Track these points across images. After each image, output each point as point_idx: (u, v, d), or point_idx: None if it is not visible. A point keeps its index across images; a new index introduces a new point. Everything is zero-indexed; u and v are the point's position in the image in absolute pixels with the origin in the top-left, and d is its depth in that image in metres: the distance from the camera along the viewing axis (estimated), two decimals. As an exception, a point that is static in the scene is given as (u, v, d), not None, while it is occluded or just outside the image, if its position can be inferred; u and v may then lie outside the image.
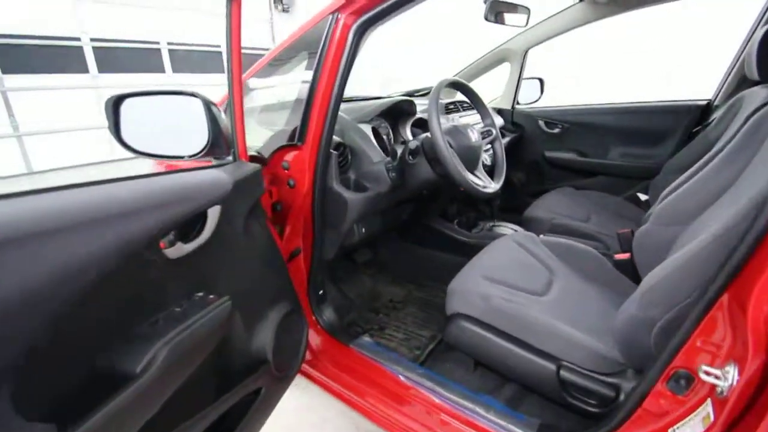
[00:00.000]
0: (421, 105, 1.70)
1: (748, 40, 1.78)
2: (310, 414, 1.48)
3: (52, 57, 5.26)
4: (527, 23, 1.80)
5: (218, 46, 6.81)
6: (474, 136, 1.33)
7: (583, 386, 0.95)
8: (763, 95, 1.13)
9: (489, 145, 1.52)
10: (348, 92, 1.72)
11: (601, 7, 1.85)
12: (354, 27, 1.02)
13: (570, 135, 2.32)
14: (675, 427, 0.70)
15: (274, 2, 7.96)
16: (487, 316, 1.08)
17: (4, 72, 4.71)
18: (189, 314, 0.68)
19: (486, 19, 1.59)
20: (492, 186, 1.32)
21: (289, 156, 1.13)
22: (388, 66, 6.62)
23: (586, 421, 0.98)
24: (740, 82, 1.78)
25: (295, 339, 1.10)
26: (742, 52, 1.82)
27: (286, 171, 1.14)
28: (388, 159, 1.30)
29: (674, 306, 0.77)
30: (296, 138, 1.10)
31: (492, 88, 2.49)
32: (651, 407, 0.76)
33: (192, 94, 0.90)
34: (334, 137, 1.25)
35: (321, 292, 1.35)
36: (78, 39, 5.40)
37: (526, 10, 1.74)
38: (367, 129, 1.38)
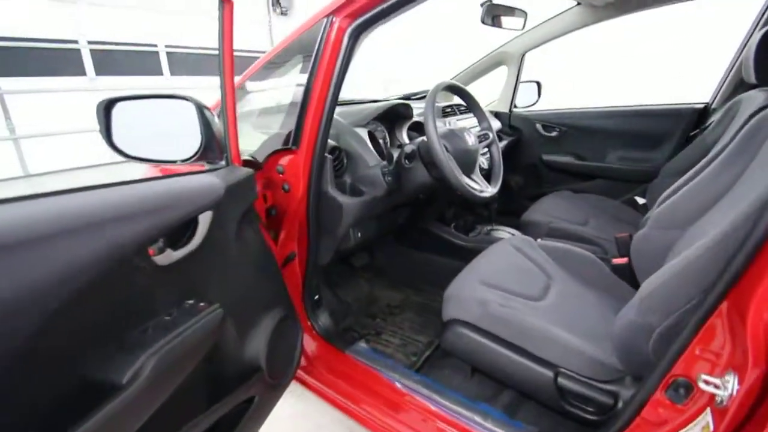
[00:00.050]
0: (417, 108, 1.69)
1: (745, 44, 1.78)
2: (305, 421, 1.46)
3: (49, 60, 5.25)
4: (524, 26, 1.80)
5: (216, 49, 6.80)
6: (470, 140, 1.32)
7: (581, 393, 0.93)
8: (760, 99, 1.13)
9: (486, 149, 1.51)
10: (347, 95, 1.73)
11: (598, 11, 1.85)
12: (349, 30, 1.01)
13: (567, 138, 2.31)
14: None
15: (272, 5, 7.97)
16: (483, 322, 1.06)
17: (0, 75, 4.69)
18: (179, 322, 0.67)
19: (483, 22, 1.59)
20: (489, 190, 1.32)
21: (284, 160, 1.12)
22: (386, 67, 6.62)
23: (584, 428, 0.96)
24: (737, 85, 1.78)
25: (290, 345, 1.08)
26: (740, 55, 1.82)
27: (280, 175, 1.13)
28: (384, 163, 1.29)
29: (673, 312, 0.76)
30: (291, 142, 1.09)
31: (490, 92, 2.49)
32: (649, 416, 0.75)
33: (184, 98, 0.88)
34: (330, 141, 1.24)
35: (317, 297, 1.34)
36: (75, 42, 5.40)
37: (523, 14, 1.73)
38: (363, 133, 1.37)
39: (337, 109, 1.44)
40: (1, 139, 4.66)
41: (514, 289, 1.16)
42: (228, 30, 0.81)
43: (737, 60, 1.83)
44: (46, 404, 0.51)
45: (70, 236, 0.51)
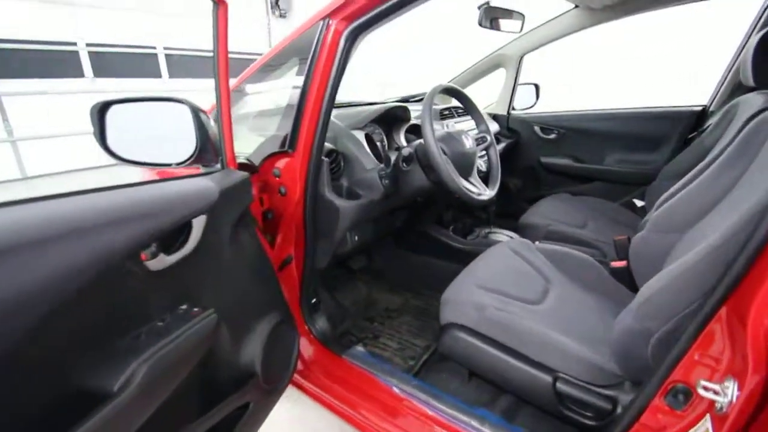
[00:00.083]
0: (415, 111, 1.68)
1: (743, 46, 1.78)
2: (303, 426, 1.45)
3: (48, 61, 5.25)
4: (522, 29, 1.80)
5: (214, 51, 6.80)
6: (468, 143, 1.32)
7: (580, 398, 0.92)
8: (758, 101, 1.12)
9: (484, 152, 1.51)
10: (344, 98, 1.72)
11: (596, 14, 1.85)
12: (345, 33, 1.00)
13: (566, 141, 2.31)
14: None
15: (272, 7, 7.99)
16: (481, 326, 1.06)
17: (-2, 77, 4.70)
18: (172, 328, 0.66)
19: (480, 24, 1.59)
20: (486, 193, 1.31)
21: (280, 163, 1.11)
22: (384, 70, 6.62)
23: None
24: (735, 88, 1.77)
25: (286, 350, 1.07)
26: (737, 57, 1.82)
27: (277, 178, 1.12)
28: (382, 166, 1.28)
29: (671, 318, 0.75)
30: (287, 145, 1.08)
31: (488, 95, 2.49)
32: (648, 422, 0.74)
33: (179, 101, 0.88)
34: (327, 144, 1.23)
35: (314, 300, 1.33)
36: (74, 44, 5.40)
37: (521, 16, 1.73)
38: (360, 136, 1.36)
39: (335, 112, 1.44)
40: (-2, 141, 4.65)
41: (512, 292, 1.15)
42: (222, 32, 0.80)
43: (735, 62, 1.83)
44: (34, 412, 0.50)
45: (59, 241, 0.50)
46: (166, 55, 6.42)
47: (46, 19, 5.16)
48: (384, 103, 1.76)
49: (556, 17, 1.97)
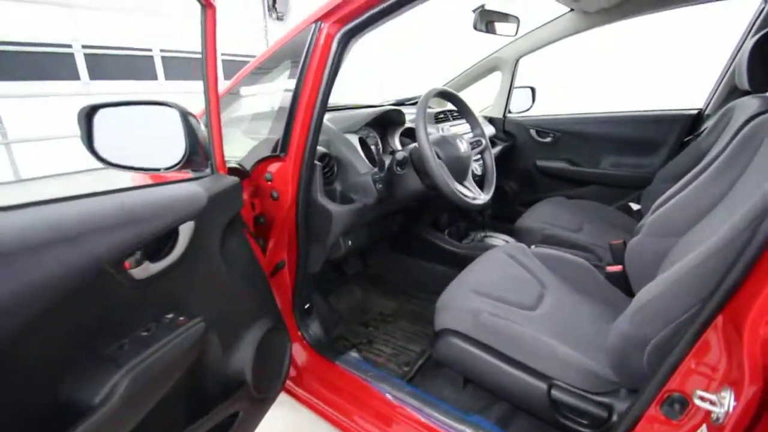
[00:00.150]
0: (410, 114, 1.68)
1: (738, 50, 1.78)
2: (296, 433, 1.44)
3: (43, 64, 5.22)
4: (517, 32, 1.79)
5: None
6: (463, 147, 1.31)
7: (575, 406, 0.91)
8: (754, 105, 1.12)
9: (479, 156, 1.50)
10: (340, 101, 1.71)
11: (591, 17, 1.85)
12: (338, 36, 0.99)
13: (562, 144, 2.31)
14: None
15: (269, 10, 7.98)
16: (475, 332, 1.04)
17: (-7, 78, 4.67)
18: (157, 338, 0.64)
19: (475, 28, 1.58)
20: (481, 197, 1.30)
21: (273, 167, 1.10)
22: (382, 70, 6.62)
23: None
24: (731, 91, 1.77)
25: (278, 357, 1.05)
26: (732, 61, 1.83)
27: (269, 183, 1.11)
28: (375, 170, 1.27)
29: (667, 324, 0.74)
30: (279, 149, 1.07)
31: (484, 98, 2.49)
32: (644, 431, 0.73)
33: (168, 105, 0.86)
34: (320, 148, 1.22)
35: (307, 306, 1.32)
36: (69, 46, 5.37)
37: (516, 20, 1.73)
38: (353, 139, 1.35)
39: (329, 115, 1.43)
40: (-8, 143, 4.62)
41: (507, 298, 1.14)
42: (211, 35, 0.79)
43: (730, 66, 1.83)
44: (11, 426, 0.49)
45: (36, 250, 0.48)
46: (162, 57, 6.40)
47: (42, 21, 5.13)
48: (378, 106, 1.75)
49: (551, 21, 1.97)
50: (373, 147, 1.46)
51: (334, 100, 1.22)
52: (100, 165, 0.85)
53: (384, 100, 2.18)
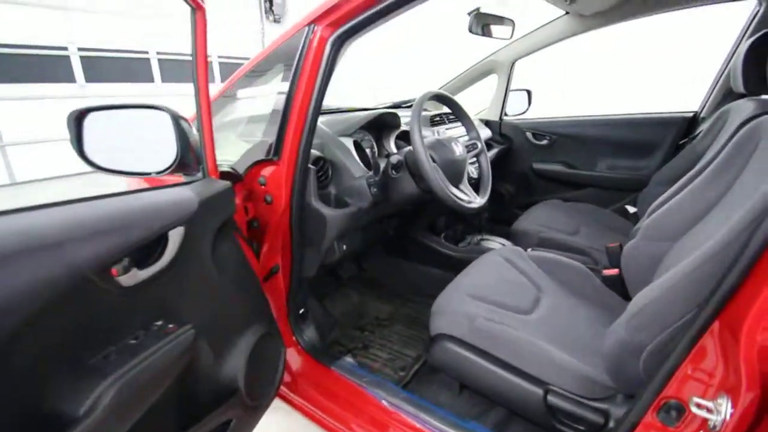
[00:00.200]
0: (406, 117, 1.67)
1: (733, 53, 1.79)
2: (291, 439, 1.42)
3: (38, 66, 5.20)
4: (512, 35, 1.79)
5: (208, 56, 6.78)
6: (458, 150, 1.30)
7: (572, 412, 0.90)
8: (749, 108, 1.12)
9: (474, 159, 1.49)
10: (335, 104, 1.70)
11: (586, 20, 1.85)
12: (331, 39, 0.98)
13: (558, 147, 2.31)
14: None
15: (266, 12, 7.98)
16: (471, 337, 1.03)
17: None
18: (145, 346, 0.63)
19: (470, 31, 1.58)
20: (477, 201, 1.29)
21: (266, 171, 1.09)
22: (378, 72, 6.62)
23: None
24: (726, 94, 1.78)
25: (271, 364, 1.04)
26: (728, 64, 1.83)
27: (262, 187, 1.10)
28: (370, 173, 1.26)
29: (663, 330, 0.74)
30: (272, 153, 1.06)
31: (481, 101, 2.48)
32: None
33: (158, 108, 0.85)
34: (314, 151, 1.21)
35: (302, 310, 1.30)
36: (65, 48, 5.35)
37: (511, 22, 1.73)
38: (348, 143, 1.34)
39: (324, 118, 1.42)
40: (-14, 146, 4.59)
41: (503, 302, 1.13)
42: (201, 37, 0.78)
43: (725, 69, 1.84)
44: None
45: (19, 257, 0.47)
46: (159, 60, 6.38)
47: (38, 24, 5.11)
48: (374, 109, 1.75)
49: (547, 24, 1.97)
50: (368, 150, 1.45)
51: (329, 102, 1.22)
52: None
53: (380, 102, 2.17)
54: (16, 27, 4.90)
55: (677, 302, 0.72)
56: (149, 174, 0.88)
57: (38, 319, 0.49)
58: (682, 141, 1.92)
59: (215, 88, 1.30)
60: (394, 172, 1.25)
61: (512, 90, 2.35)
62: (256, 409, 0.98)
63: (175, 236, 0.71)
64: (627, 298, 1.16)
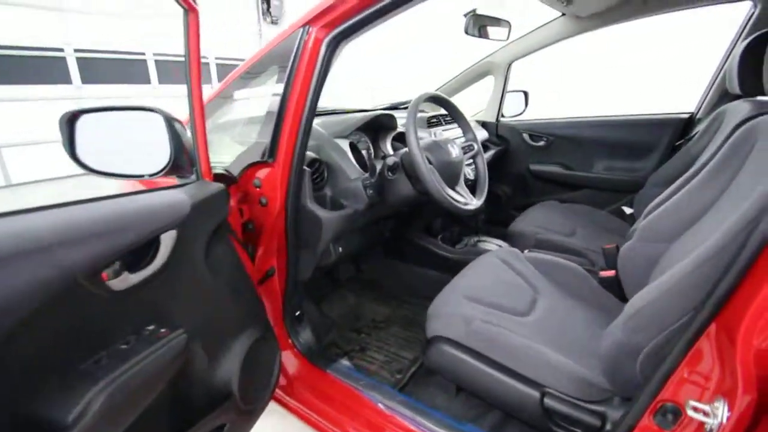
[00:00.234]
0: (402, 118, 1.66)
1: (729, 54, 1.79)
2: (287, 443, 1.41)
3: (34, 67, 5.17)
4: (508, 37, 1.79)
5: (205, 57, 6.77)
6: (455, 152, 1.30)
7: (568, 415, 0.90)
8: (745, 109, 1.12)
9: (471, 160, 1.49)
10: (330, 105, 1.69)
11: (582, 22, 1.85)
12: (326, 40, 0.98)
13: (555, 148, 2.31)
14: None
15: (263, 14, 7.98)
16: (467, 340, 1.03)
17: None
18: (136, 351, 0.62)
19: (467, 32, 1.57)
20: (473, 203, 1.29)
21: (261, 173, 1.08)
22: (376, 72, 6.61)
23: None
24: (722, 95, 1.78)
25: (266, 367, 1.03)
26: (723, 65, 1.83)
27: (257, 189, 1.09)
28: (366, 175, 1.25)
29: (660, 332, 0.73)
30: (267, 155, 1.05)
31: (477, 103, 2.48)
32: None
33: (152, 110, 0.85)
34: (309, 153, 1.20)
35: (298, 313, 1.30)
36: (61, 50, 5.33)
37: (507, 24, 1.73)
38: (344, 144, 1.34)
39: (319, 120, 1.41)
40: (-19, 148, 4.57)
41: (500, 303, 1.13)
42: (194, 39, 0.77)
43: (721, 70, 1.84)
44: None
45: (8, 261, 0.46)
46: (156, 61, 6.36)
47: (34, 25, 5.09)
48: (370, 110, 1.74)
49: (543, 25, 1.97)
50: (364, 152, 1.45)
51: (325, 103, 1.21)
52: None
53: (377, 103, 2.17)
54: (11, 28, 4.87)
55: (674, 304, 0.72)
56: (142, 176, 0.88)
57: (27, 323, 0.48)
58: (679, 142, 1.92)
59: (211, 90, 1.30)
60: (390, 173, 1.24)
61: (509, 91, 2.35)
62: (251, 414, 0.97)
63: (168, 239, 0.70)
64: (624, 299, 1.16)
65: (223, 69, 6.67)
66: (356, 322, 1.71)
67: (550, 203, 2.02)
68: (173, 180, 0.93)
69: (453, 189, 1.28)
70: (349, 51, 1.06)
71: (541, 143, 2.33)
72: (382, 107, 2.04)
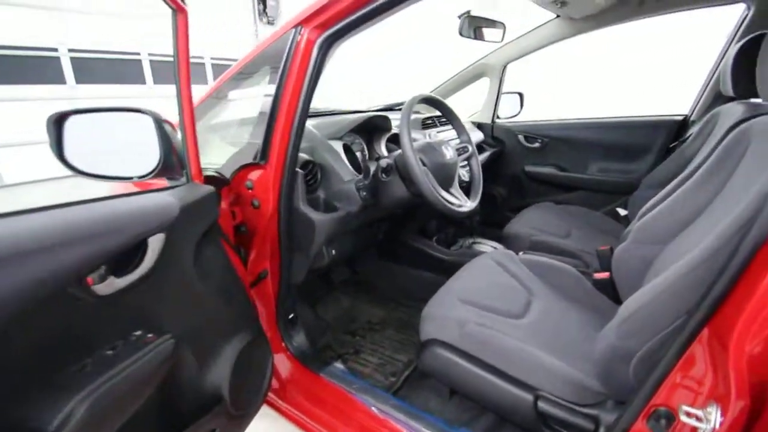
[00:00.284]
0: (397, 120, 1.66)
1: (723, 56, 1.80)
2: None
3: (28, 67, 5.13)
4: (503, 38, 1.79)
5: (201, 58, 6.75)
6: (449, 153, 1.29)
7: (562, 418, 0.90)
8: (738, 112, 1.12)
9: (465, 162, 1.48)
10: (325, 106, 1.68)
11: (577, 23, 1.85)
12: (319, 41, 0.97)
13: (550, 149, 2.31)
14: None
15: (259, 15, 7.96)
16: (462, 343, 1.02)
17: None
18: (123, 357, 0.61)
19: (461, 34, 1.57)
20: (468, 205, 1.28)
21: (253, 175, 1.07)
22: (374, 73, 6.59)
23: None
24: (716, 97, 1.79)
25: (258, 371, 1.02)
26: (717, 67, 1.84)
27: (249, 191, 1.08)
28: (360, 177, 1.25)
29: (653, 336, 0.73)
30: (259, 157, 1.04)
31: (472, 104, 2.48)
32: None
33: (141, 111, 0.83)
34: (303, 155, 1.19)
35: (291, 315, 1.28)
36: (55, 49, 5.29)
37: (502, 26, 1.72)
38: (337, 146, 1.33)
39: (313, 121, 1.40)
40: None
41: (494, 306, 1.12)
42: (182, 39, 0.76)
43: (715, 72, 1.85)
44: None
45: None
46: (151, 61, 6.33)
47: (28, 24, 5.05)
48: (365, 111, 1.73)
49: (537, 27, 1.97)
50: (358, 153, 1.44)
51: (318, 105, 1.20)
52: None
53: (372, 104, 2.16)
54: (4, 28, 4.83)
55: (667, 308, 0.72)
56: (131, 178, 0.87)
57: (6, 331, 0.47)
58: (673, 144, 1.92)
59: (205, 90, 1.28)
60: (384, 175, 1.24)
61: (504, 93, 2.35)
62: (242, 418, 0.96)
63: (156, 243, 0.69)
64: (618, 301, 1.15)
65: (220, 69, 6.64)
66: (351, 325, 1.70)
67: (545, 205, 2.02)
68: (163, 182, 0.91)
69: (447, 191, 1.27)
70: (341, 51, 1.05)
71: (537, 145, 2.33)
72: (376, 108, 2.03)
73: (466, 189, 1.40)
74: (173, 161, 0.84)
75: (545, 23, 1.93)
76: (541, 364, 0.94)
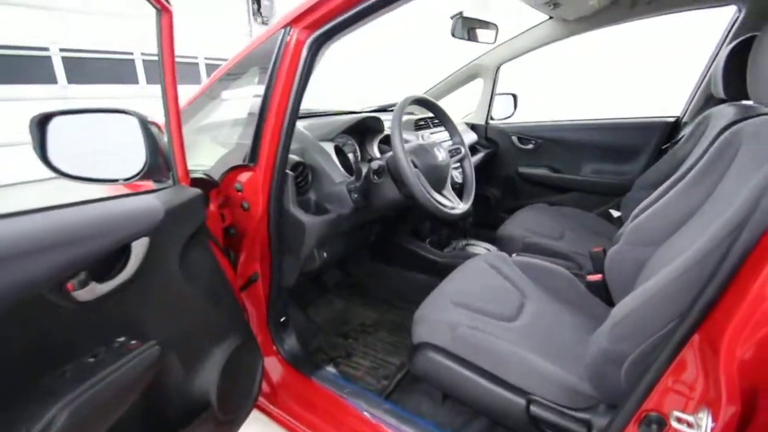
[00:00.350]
0: (389, 121, 1.65)
1: (714, 58, 1.80)
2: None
3: (19, 67, 5.07)
4: (495, 40, 1.78)
5: (195, 58, 6.71)
6: (441, 155, 1.28)
7: (554, 422, 0.89)
8: (730, 113, 1.12)
9: (458, 164, 1.48)
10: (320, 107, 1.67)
11: (570, 25, 1.85)
12: (308, 42, 0.96)
13: (543, 151, 2.31)
14: None
15: (253, 14, 7.93)
16: (454, 346, 1.01)
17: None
18: (104, 364, 0.60)
19: (453, 35, 1.56)
20: (460, 207, 1.27)
21: (242, 177, 1.06)
22: (367, 73, 6.58)
23: None
24: (707, 99, 1.79)
25: (247, 376, 1.01)
26: (709, 69, 1.85)
27: (239, 193, 1.07)
28: (351, 179, 1.23)
29: (645, 340, 0.72)
30: (248, 158, 1.03)
31: (466, 105, 2.48)
32: None
33: (126, 112, 0.82)
34: (293, 156, 1.18)
35: (283, 318, 1.27)
36: (46, 49, 5.23)
37: (495, 27, 1.72)
38: (329, 147, 1.31)
39: (305, 122, 1.39)
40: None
41: (487, 309, 1.11)
42: (167, 39, 0.75)
43: (707, 74, 1.85)
44: None
45: None
46: (144, 61, 6.28)
47: (19, 24, 5.00)
48: (357, 112, 1.72)
49: (531, 28, 1.97)
50: (350, 155, 1.42)
51: (310, 105, 1.19)
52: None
53: (364, 105, 2.15)
54: (4, 28, 4.78)
55: (658, 312, 0.71)
56: (116, 181, 0.85)
57: None
58: (665, 145, 1.93)
59: (195, 91, 1.27)
60: (375, 177, 1.23)
61: (498, 94, 2.35)
62: (231, 423, 0.95)
63: (139, 247, 0.67)
64: (611, 303, 1.15)
65: (213, 69, 6.58)
66: (343, 327, 1.69)
67: (538, 206, 2.02)
68: (149, 185, 0.90)
69: (439, 193, 1.26)
70: (331, 52, 1.04)
71: (530, 146, 2.33)
72: (369, 109, 2.02)
73: (459, 191, 1.40)
74: (159, 163, 0.83)
75: (538, 24, 1.93)
76: (534, 368, 0.93)
